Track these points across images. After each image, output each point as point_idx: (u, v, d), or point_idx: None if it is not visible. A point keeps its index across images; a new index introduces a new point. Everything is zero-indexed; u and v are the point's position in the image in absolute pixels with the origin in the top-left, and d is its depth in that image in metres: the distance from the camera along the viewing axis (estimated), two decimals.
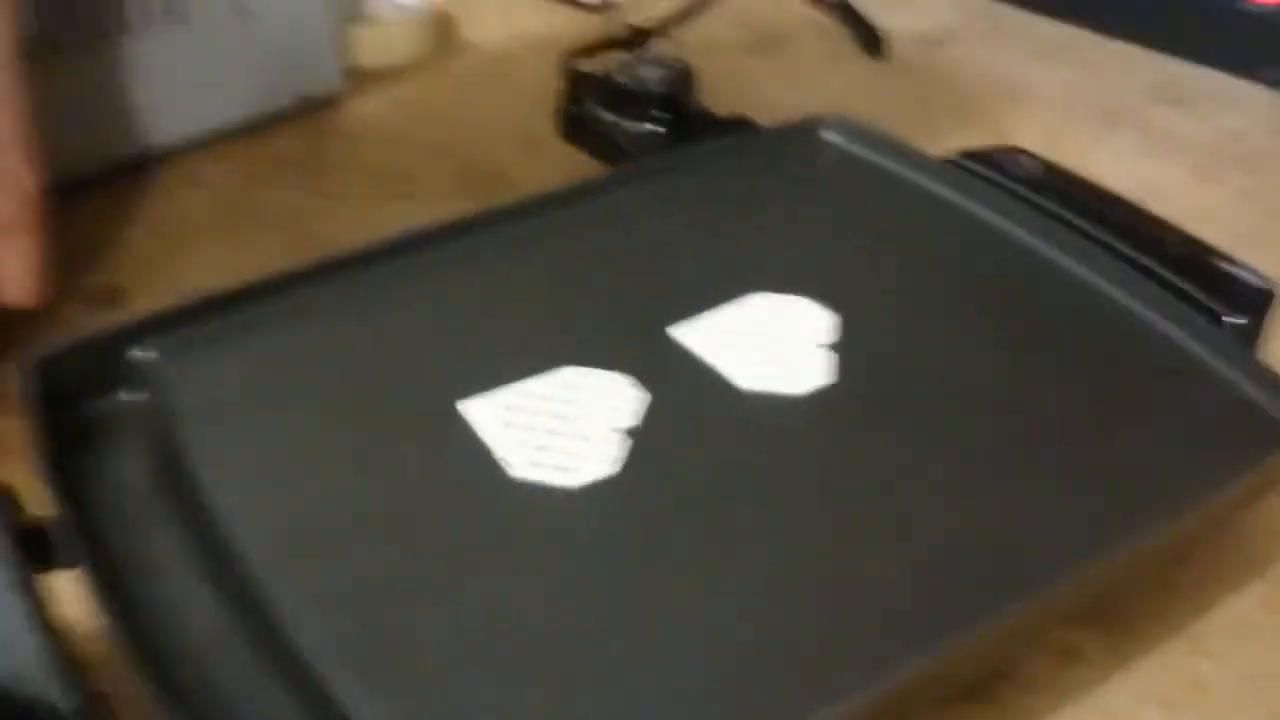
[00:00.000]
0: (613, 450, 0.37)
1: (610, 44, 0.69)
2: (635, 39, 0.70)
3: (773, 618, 0.33)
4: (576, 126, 0.60)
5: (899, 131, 0.53)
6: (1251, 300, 0.44)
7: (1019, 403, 0.41)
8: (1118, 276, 0.45)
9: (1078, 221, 0.48)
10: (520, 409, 0.38)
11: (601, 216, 0.49)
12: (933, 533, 0.36)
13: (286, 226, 0.60)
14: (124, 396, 0.39)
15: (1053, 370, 0.42)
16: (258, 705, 0.31)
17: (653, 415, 0.39)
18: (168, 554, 0.35)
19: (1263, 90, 0.76)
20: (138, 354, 0.40)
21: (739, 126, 0.59)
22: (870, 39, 0.80)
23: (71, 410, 0.38)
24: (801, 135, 0.54)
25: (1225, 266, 0.47)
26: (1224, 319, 0.43)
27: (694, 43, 0.73)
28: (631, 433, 0.38)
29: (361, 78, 0.75)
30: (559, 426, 0.38)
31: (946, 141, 0.53)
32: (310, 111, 0.71)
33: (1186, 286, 0.45)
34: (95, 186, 0.62)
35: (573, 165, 0.62)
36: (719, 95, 0.65)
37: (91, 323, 0.45)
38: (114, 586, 0.32)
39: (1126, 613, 0.42)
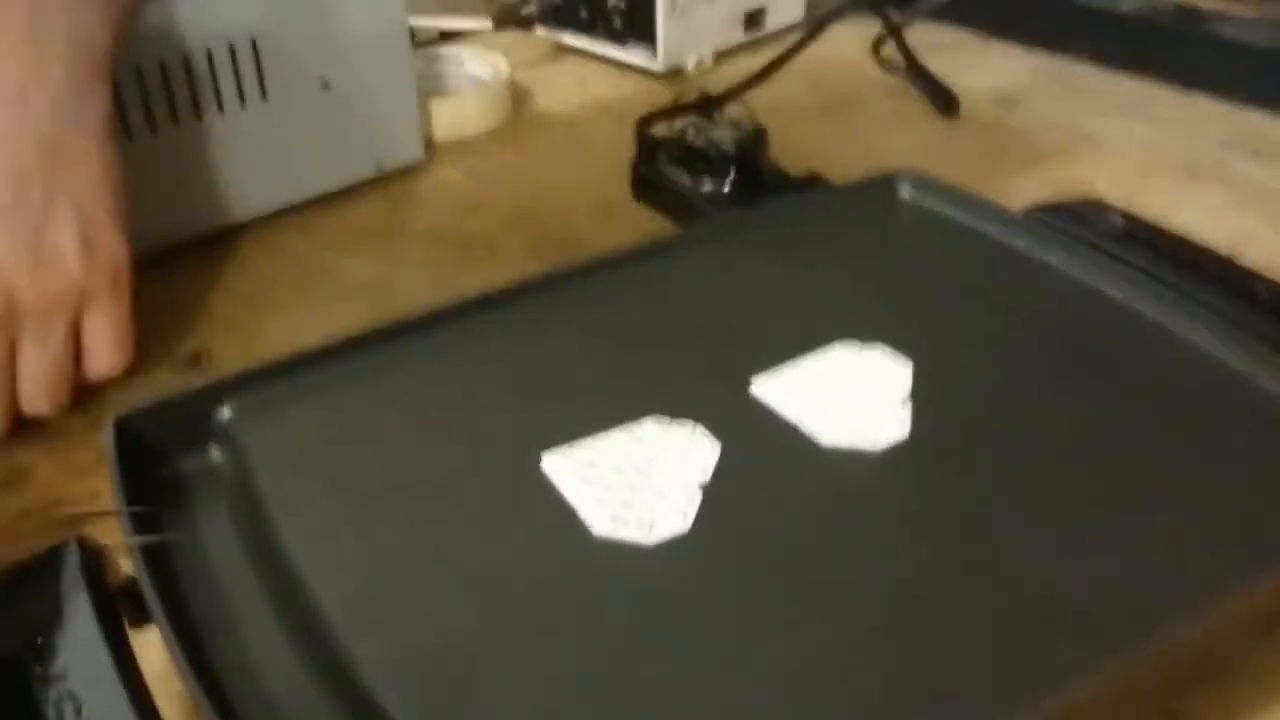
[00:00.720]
0: (690, 506, 0.37)
1: (683, 108, 0.69)
2: (707, 103, 0.70)
3: (848, 678, 0.32)
4: (650, 188, 0.61)
5: (973, 188, 0.53)
6: None
7: (1107, 457, 0.40)
8: (1210, 328, 0.44)
9: (1164, 273, 0.47)
10: (601, 465, 0.38)
11: (679, 272, 0.49)
12: (1018, 592, 0.35)
13: (366, 293, 0.61)
14: (208, 456, 0.40)
15: (1142, 424, 0.41)
16: None
17: (732, 470, 0.38)
18: (248, 611, 0.35)
19: None
20: (220, 413, 0.40)
21: (812, 184, 0.59)
22: (943, 98, 0.80)
23: (157, 469, 0.39)
24: (877, 190, 0.54)
25: None
26: None
27: (765, 106, 0.73)
28: (709, 488, 0.38)
29: (440, 149, 0.76)
30: (639, 481, 0.38)
31: (1022, 198, 0.53)
32: (391, 181, 0.72)
33: None
34: (185, 256, 0.64)
35: (647, 228, 0.62)
36: (791, 156, 0.65)
37: (178, 385, 0.46)
38: (193, 644, 0.32)
39: (1234, 676, 0.40)
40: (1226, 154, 0.75)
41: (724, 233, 0.51)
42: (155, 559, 0.34)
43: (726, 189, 0.58)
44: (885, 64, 0.86)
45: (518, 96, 0.83)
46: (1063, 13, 0.90)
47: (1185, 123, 0.79)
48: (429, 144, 0.75)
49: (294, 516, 0.37)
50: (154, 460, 0.39)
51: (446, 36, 0.90)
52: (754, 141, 0.59)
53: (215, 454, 0.40)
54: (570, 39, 0.90)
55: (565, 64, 0.90)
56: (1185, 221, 0.67)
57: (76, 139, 0.47)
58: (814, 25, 0.79)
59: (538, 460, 0.39)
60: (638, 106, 0.72)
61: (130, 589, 0.33)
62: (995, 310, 0.47)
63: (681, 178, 0.59)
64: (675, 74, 0.86)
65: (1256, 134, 0.77)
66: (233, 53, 0.63)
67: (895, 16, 0.84)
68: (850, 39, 0.89)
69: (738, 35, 0.90)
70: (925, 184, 0.53)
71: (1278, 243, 0.66)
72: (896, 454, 0.39)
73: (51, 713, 0.29)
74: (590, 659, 0.32)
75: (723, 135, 0.59)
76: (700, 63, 0.86)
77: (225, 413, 0.41)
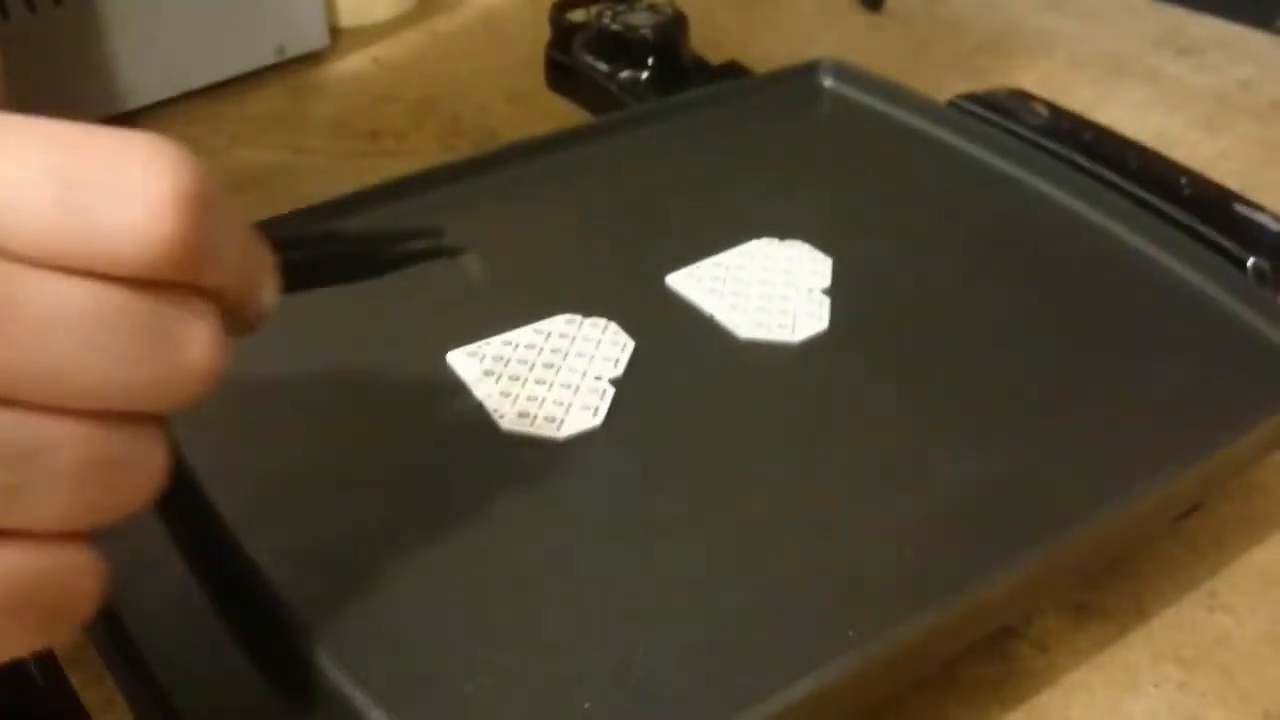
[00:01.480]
0: (601, 401, 0.35)
1: None
2: None
3: (770, 570, 0.31)
4: (565, 76, 0.58)
5: (898, 80, 0.51)
6: (1273, 242, 0.43)
7: (1027, 349, 0.39)
8: (1133, 220, 0.44)
9: (1089, 165, 0.46)
10: (510, 360, 0.37)
11: (595, 163, 0.47)
12: (934, 483, 0.34)
13: (268, 184, 0.58)
14: None
15: (1063, 316, 0.40)
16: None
17: (646, 365, 0.37)
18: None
19: (1271, 39, 0.74)
20: None
21: (733, 73, 0.57)
22: None
23: None
24: (798, 79, 0.52)
25: (1245, 210, 0.45)
26: (1249, 262, 0.41)
27: None
28: (623, 384, 0.36)
29: (346, 35, 0.73)
30: (548, 377, 0.36)
31: (947, 93, 0.51)
32: (294, 69, 0.69)
33: (1206, 229, 0.43)
34: None
35: (562, 117, 0.60)
36: (712, 45, 0.63)
37: None
38: None
39: (1143, 568, 0.40)
40: (1152, 51, 0.74)
41: (641, 122, 0.49)
42: None
43: (644, 77, 0.55)
44: None
45: None
46: None
47: (1112, 19, 0.78)
48: (334, 30, 0.72)
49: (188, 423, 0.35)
50: None
51: None
52: (674, 28, 0.57)
53: None
54: None
55: None
56: (1110, 117, 0.66)
57: None
58: None
59: (443, 357, 0.37)
60: None
61: None
62: (917, 201, 0.46)
63: (598, 66, 0.56)
64: None
65: (1182, 32, 0.76)
66: None
67: None
68: None
69: None
70: (847, 73, 0.51)
71: (1199, 139, 0.65)
72: (814, 346, 0.38)
73: None
74: (494, 552, 0.31)
75: (641, 21, 0.57)
76: None
77: None
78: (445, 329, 0.38)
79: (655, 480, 0.34)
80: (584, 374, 0.36)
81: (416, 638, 0.29)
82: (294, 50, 0.69)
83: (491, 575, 0.31)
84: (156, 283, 0.20)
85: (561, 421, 0.35)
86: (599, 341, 0.38)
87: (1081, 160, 0.46)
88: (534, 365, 0.37)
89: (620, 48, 0.56)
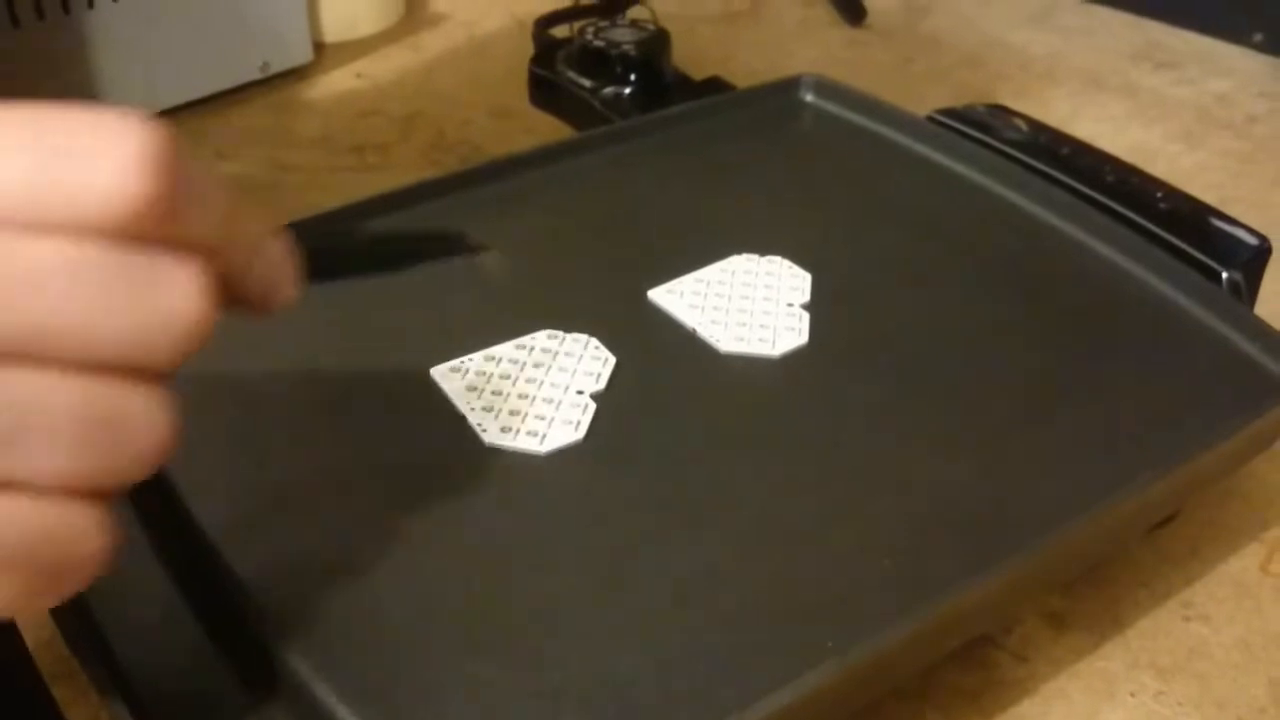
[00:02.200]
0: (583, 415, 0.36)
1: (584, 9, 0.67)
2: (609, 4, 0.68)
3: (750, 582, 0.32)
4: (548, 92, 0.59)
5: (879, 95, 0.52)
6: (1248, 256, 0.43)
7: (1005, 361, 0.39)
8: (1110, 234, 0.44)
9: (1066, 179, 0.46)
10: (491, 375, 0.37)
11: (576, 179, 0.47)
12: (912, 493, 0.34)
13: (252, 200, 0.59)
14: None
15: (1041, 328, 0.41)
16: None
17: (627, 379, 0.37)
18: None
19: (1248, 53, 0.75)
20: None
21: (713, 89, 0.57)
22: (850, 6, 0.78)
23: None
24: (780, 94, 0.52)
25: (1219, 223, 0.45)
26: (1223, 275, 0.42)
27: (669, 9, 0.71)
28: (605, 398, 0.37)
29: (331, 50, 0.73)
30: (530, 391, 0.36)
31: (928, 107, 0.52)
32: (279, 84, 0.69)
33: (1181, 243, 0.43)
34: None
35: (545, 132, 0.60)
36: (695, 61, 0.63)
37: None
38: None
39: (1121, 578, 0.40)
40: (1131, 65, 0.75)
41: (623, 138, 0.50)
42: None
43: (627, 93, 0.56)
44: None
45: None
46: None
47: (1091, 34, 0.79)
48: (319, 45, 0.72)
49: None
50: None
51: None
52: (656, 44, 0.57)
53: None
54: None
55: None
56: (1089, 131, 0.67)
57: None
58: None
59: (427, 372, 0.37)
60: (538, 7, 0.70)
61: None
62: (896, 216, 0.46)
63: (581, 81, 0.57)
64: None
65: (1161, 46, 0.77)
66: None
67: None
68: None
69: None
70: (828, 88, 0.52)
71: (1177, 151, 0.66)
72: (794, 360, 0.39)
73: None
74: (477, 565, 0.31)
75: (624, 37, 0.57)
76: None
77: None
78: (428, 344, 0.38)
79: (636, 493, 0.34)
80: (566, 389, 0.37)
81: (398, 650, 0.29)
82: (279, 66, 0.69)
83: (474, 588, 0.31)
84: (138, 239, 0.21)
85: (544, 436, 0.35)
86: (581, 356, 0.38)
87: (1059, 174, 0.47)
88: (516, 380, 0.37)
89: (603, 64, 0.56)
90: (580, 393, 0.37)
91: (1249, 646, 0.38)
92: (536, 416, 0.36)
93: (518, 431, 0.35)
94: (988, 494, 0.34)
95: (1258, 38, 0.75)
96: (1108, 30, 0.79)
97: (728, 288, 0.41)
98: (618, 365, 0.38)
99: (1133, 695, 0.37)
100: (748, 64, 0.73)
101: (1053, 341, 0.40)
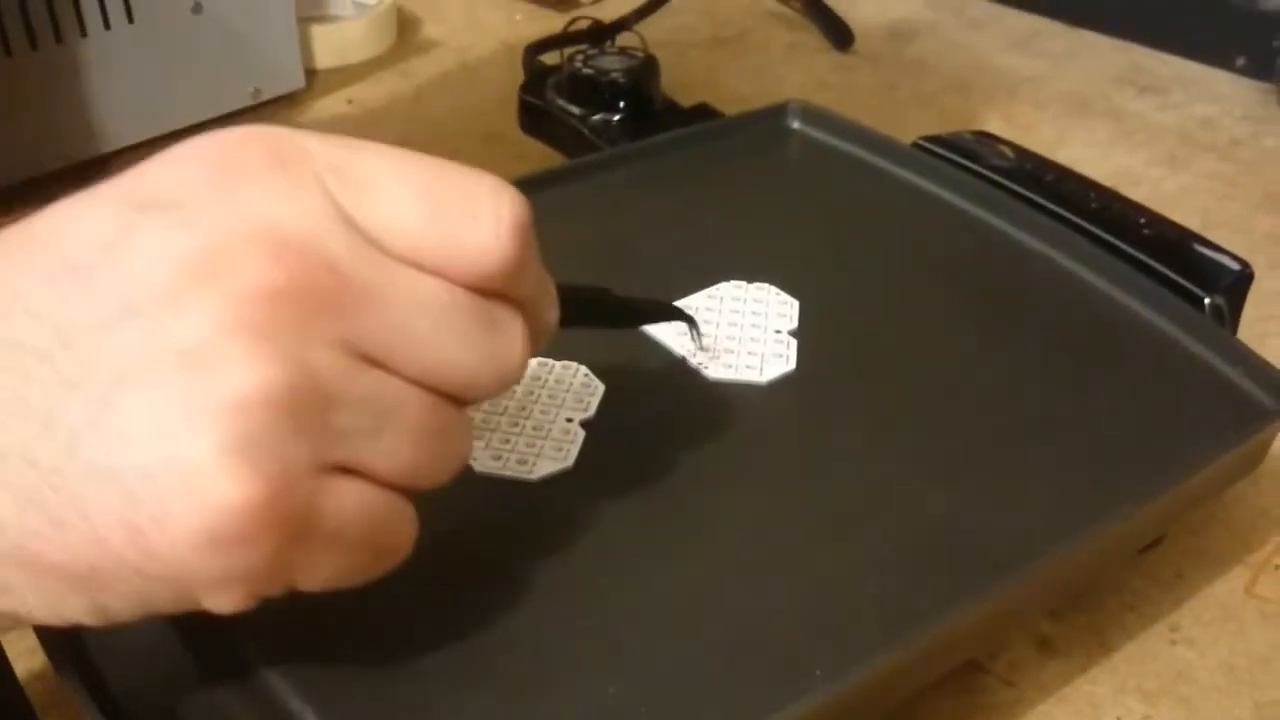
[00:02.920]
0: (573, 443, 0.36)
1: (573, 38, 0.68)
2: (599, 32, 0.68)
3: (739, 610, 0.32)
4: (538, 118, 0.59)
5: (866, 121, 0.52)
6: (1230, 281, 0.44)
7: (991, 387, 0.40)
8: (1094, 260, 0.44)
9: (1050, 205, 0.47)
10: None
11: (564, 206, 0.47)
12: (898, 520, 0.35)
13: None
14: None
15: (1025, 355, 0.41)
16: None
17: (616, 406, 0.38)
18: None
19: (1231, 78, 0.76)
20: None
21: (702, 115, 0.58)
22: (838, 31, 0.79)
23: None
24: (767, 121, 0.53)
25: (1201, 249, 0.46)
26: (1206, 300, 0.42)
27: (658, 36, 0.72)
28: (594, 425, 0.37)
29: (322, 77, 0.74)
30: (520, 419, 0.37)
31: (914, 132, 0.52)
32: (270, 110, 0.69)
33: (1164, 269, 0.44)
34: (52, 188, 0.61)
35: (535, 159, 0.61)
36: (684, 87, 0.64)
37: None
38: None
39: (1106, 602, 0.41)
40: (1115, 90, 0.75)
41: (612, 165, 0.50)
42: None
43: (616, 120, 0.56)
44: None
45: (404, 22, 0.80)
46: None
47: (1075, 59, 0.80)
48: (310, 72, 0.73)
49: None
50: None
51: None
52: (645, 71, 0.58)
53: None
54: None
55: None
56: (1073, 155, 0.68)
57: None
58: None
59: None
60: (529, 34, 0.70)
61: None
62: (883, 242, 0.47)
63: (570, 109, 0.57)
64: (568, 1, 0.83)
65: (1145, 71, 0.78)
66: None
67: None
68: None
69: None
70: (815, 114, 0.52)
71: (1161, 175, 0.67)
72: (782, 386, 0.39)
73: None
74: (466, 593, 0.32)
75: (612, 65, 0.58)
76: None
77: None
78: None
79: (624, 520, 0.34)
80: (555, 417, 0.37)
81: (385, 677, 0.29)
82: (270, 92, 0.69)
83: (463, 617, 0.31)
84: (485, 289, 0.26)
85: (534, 464, 0.35)
86: (570, 384, 0.38)
87: (1043, 201, 0.47)
88: (506, 408, 0.37)
89: (592, 91, 0.57)
90: (570, 420, 0.37)
91: (1234, 670, 0.39)
92: (527, 444, 0.36)
93: (508, 459, 0.35)
94: (974, 520, 0.35)
95: (1241, 62, 0.76)
96: (1092, 54, 0.80)
97: (716, 314, 0.42)
98: (607, 393, 0.38)
99: (1119, 719, 0.37)
100: (736, 89, 0.73)
101: (1037, 367, 0.41)
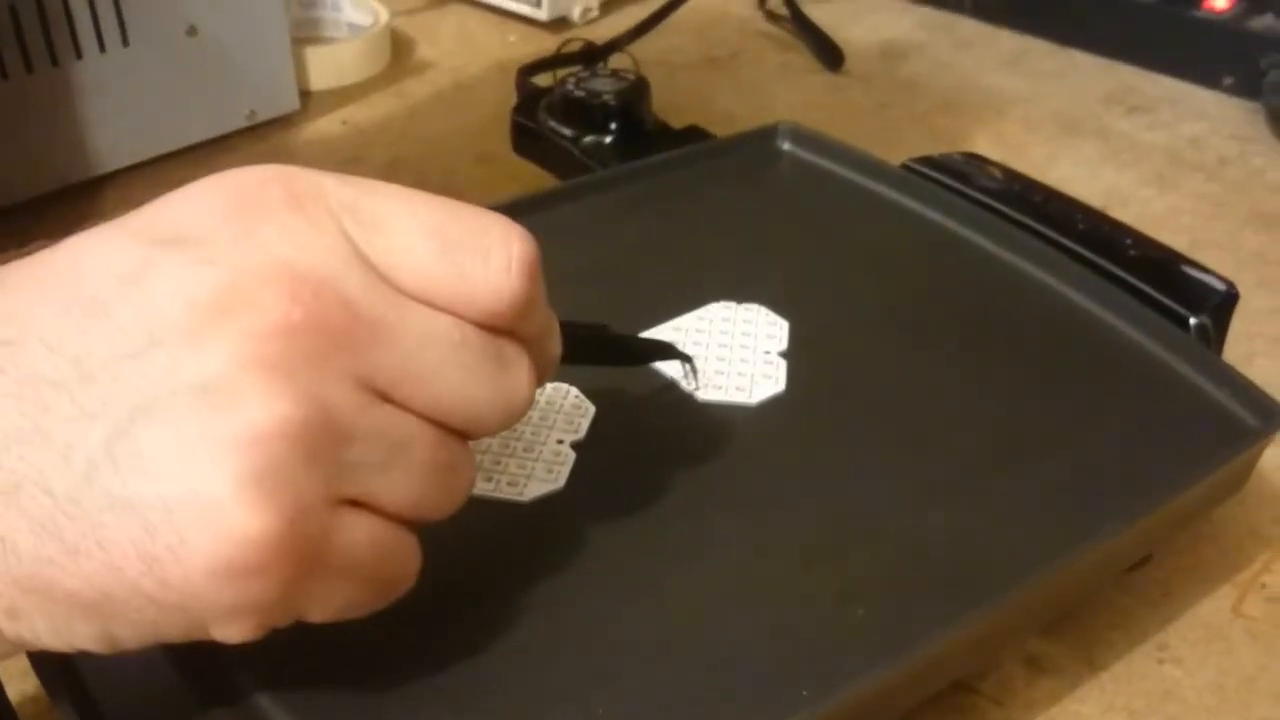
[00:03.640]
0: (563, 464, 0.36)
1: (565, 59, 0.68)
2: (591, 53, 0.69)
3: (727, 630, 0.32)
4: (531, 140, 0.60)
5: (856, 142, 0.53)
6: (1216, 301, 0.44)
7: (978, 409, 0.40)
8: (1081, 281, 0.45)
9: (1038, 227, 0.47)
10: None
11: (555, 228, 0.47)
12: (887, 541, 0.35)
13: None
14: None
15: (1013, 375, 0.42)
16: None
17: (607, 427, 0.38)
18: None
19: (1219, 97, 0.77)
20: None
21: (693, 137, 0.58)
22: (828, 52, 0.80)
23: None
24: (757, 143, 0.53)
25: (1187, 270, 0.46)
26: (1191, 320, 0.43)
27: (651, 57, 0.72)
28: (584, 446, 0.37)
29: (317, 98, 0.74)
30: (510, 440, 0.37)
31: (905, 151, 0.53)
32: (265, 132, 0.70)
33: (1150, 289, 0.44)
34: (47, 209, 0.61)
35: (527, 179, 0.61)
36: (676, 108, 0.64)
37: None
38: None
39: (1095, 622, 0.41)
40: (1104, 109, 0.76)
41: (603, 187, 0.50)
42: None
43: (607, 142, 0.57)
44: (772, 16, 0.86)
45: (398, 44, 0.80)
46: None
47: (1064, 78, 0.80)
48: (305, 93, 0.73)
49: None
50: None
51: None
52: (636, 93, 0.58)
53: None
54: None
55: (448, 11, 0.87)
56: (1062, 175, 0.68)
57: None
58: None
59: None
60: (522, 57, 0.71)
61: None
62: (872, 263, 0.47)
63: (562, 130, 0.57)
64: (561, 23, 0.84)
65: (1133, 90, 0.78)
66: None
67: None
68: None
69: None
70: (804, 136, 0.53)
71: (1150, 195, 0.67)
72: (771, 408, 0.39)
73: None
74: (455, 614, 0.32)
75: (604, 87, 0.58)
76: (586, 11, 0.85)
77: None
78: None
79: (614, 542, 0.34)
80: (547, 438, 0.37)
81: (377, 700, 0.30)
82: (265, 114, 0.70)
83: (454, 639, 0.31)
84: (493, 327, 0.27)
85: (525, 485, 0.36)
86: (561, 406, 0.38)
87: (1031, 222, 0.48)
88: None
89: (584, 113, 0.57)
90: (560, 442, 0.37)
91: (1221, 689, 0.39)
92: (518, 466, 0.36)
93: (499, 481, 0.36)
94: (962, 541, 0.35)
95: (1228, 81, 0.77)
96: (1082, 74, 0.80)
97: (706, 335, 0.42)
98: (597, 414, 0.38)
99: None
100: (729, 109, 0.74)
101: (1026, 388, 0.41)
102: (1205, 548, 0.44)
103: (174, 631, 0.25)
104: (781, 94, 0.77)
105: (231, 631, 0.25)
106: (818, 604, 0.33)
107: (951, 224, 0.48)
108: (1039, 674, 0.39)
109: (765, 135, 0.54)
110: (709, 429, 0.39)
